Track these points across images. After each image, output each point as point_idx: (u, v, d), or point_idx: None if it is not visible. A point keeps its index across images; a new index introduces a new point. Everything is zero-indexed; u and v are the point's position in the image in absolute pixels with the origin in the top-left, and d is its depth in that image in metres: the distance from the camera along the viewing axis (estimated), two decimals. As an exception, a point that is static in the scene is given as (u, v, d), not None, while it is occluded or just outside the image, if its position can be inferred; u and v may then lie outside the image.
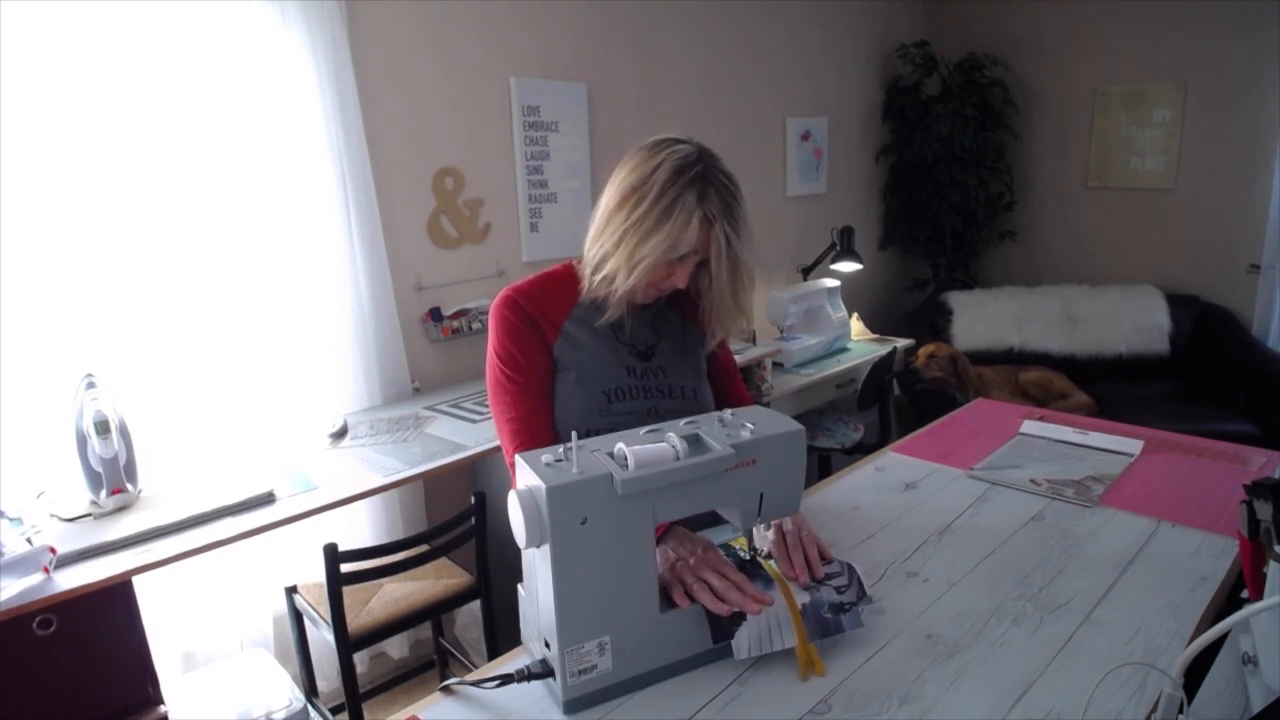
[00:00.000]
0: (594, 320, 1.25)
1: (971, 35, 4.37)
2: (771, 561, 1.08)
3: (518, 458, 0.94)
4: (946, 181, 4.19)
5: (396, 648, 2.56)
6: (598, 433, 1.17)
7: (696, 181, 1.12)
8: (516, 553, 0.97)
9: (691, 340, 1.34)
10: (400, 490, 2.42)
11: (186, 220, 2.07)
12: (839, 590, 1.03)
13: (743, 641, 0.97)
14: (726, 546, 1.15)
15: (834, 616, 1.01)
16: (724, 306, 1.22)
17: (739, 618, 0.98)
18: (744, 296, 1.21)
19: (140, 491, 1.76)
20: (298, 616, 2.05)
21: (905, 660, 1.00)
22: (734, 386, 1.41)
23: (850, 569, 1.08)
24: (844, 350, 3.58)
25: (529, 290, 1.27)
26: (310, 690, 2.11)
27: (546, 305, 1.26)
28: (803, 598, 1.02)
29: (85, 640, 1.49)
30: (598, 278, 1.20)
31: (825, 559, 1.10)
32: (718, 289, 1.19)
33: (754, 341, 3.22)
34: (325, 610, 1.84)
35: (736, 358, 2.96)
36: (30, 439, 1.84)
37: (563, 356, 1.25)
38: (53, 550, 1.46)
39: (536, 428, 1.21)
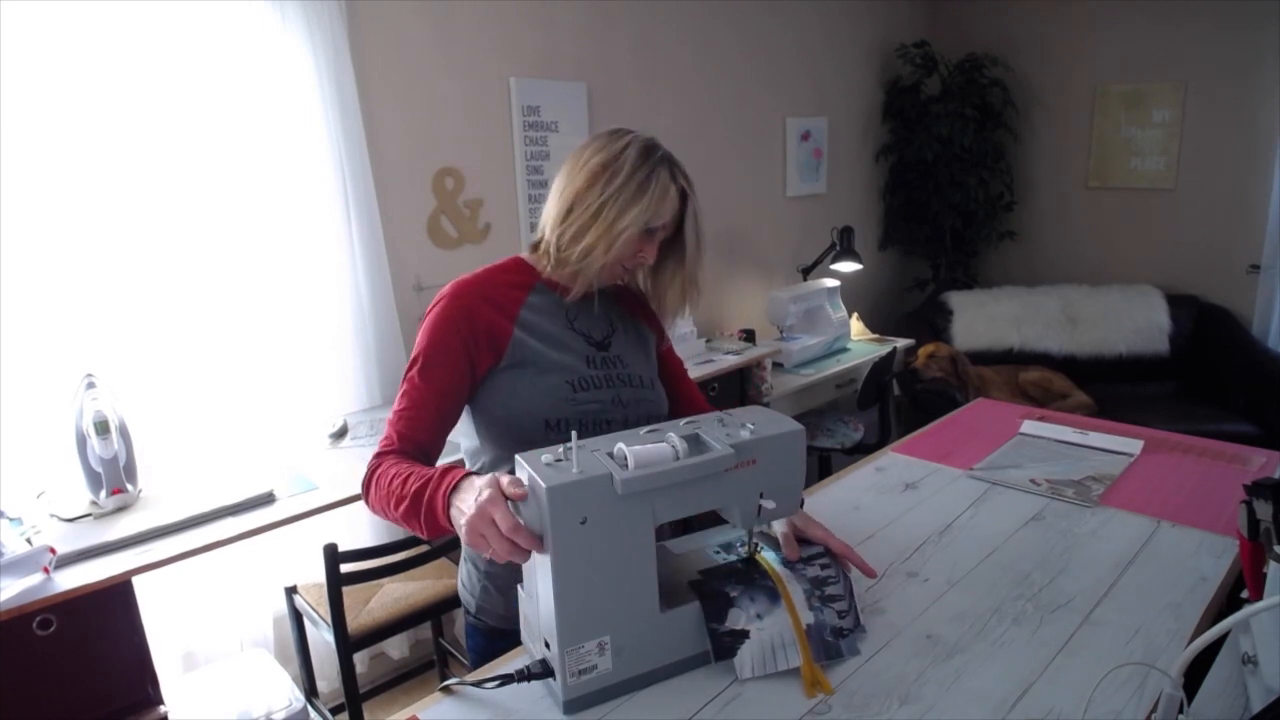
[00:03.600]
0: (551, 306, 1.25)
1: (971, 35, 4.37)
2: (779, 570, 1.08)
3: (517, 457, 0.94)
4: (946, 181, 4.19)
5: (396, 648, 2.56)
6: (566, 422, 1.17)
7: (665, 161, 1.20)
8: (516, 553, 0.96)
9: (643, 336, 1.35)
10: (400, 490, 2.42)
11: (186, 220, 2.07)
12: (840, 615, 1.04)
13: (745, 661, 0.97)
14: (729, 546, 1.15)
15: (834, 641, 1.01)
16: (691, 281, 1.29)
17: (740, 635, 0.98)
18: (700, 272, 1.30)
19: (140, 491, 1.76)
20: (298, 616, 2.05)
21: (905, 660, 1.00)
22: (689, 388, 1.42)
23: (850, 591, 1.07)
24: (844, 350, 3.58)
25: (478, 285, 1.22)
26: (310, 690, 2.11)
27: (497, 296, 1.22)
28: (807, 618, 1.01)
29: (85, 640, 1.49)
30: (574, 251, 1.18)
31: (831, 551, 1.11)
32: (689, 262, 1.27)
33: (754, 341, 3.22)
34: (325, 610, 1.84)
35: (737, 358, 2.98)
36: (30, 439, 1.85)
37: (517, 350, 1.21)
38: (53, 550, 1.46)
39: (411, 421, 1.16)
